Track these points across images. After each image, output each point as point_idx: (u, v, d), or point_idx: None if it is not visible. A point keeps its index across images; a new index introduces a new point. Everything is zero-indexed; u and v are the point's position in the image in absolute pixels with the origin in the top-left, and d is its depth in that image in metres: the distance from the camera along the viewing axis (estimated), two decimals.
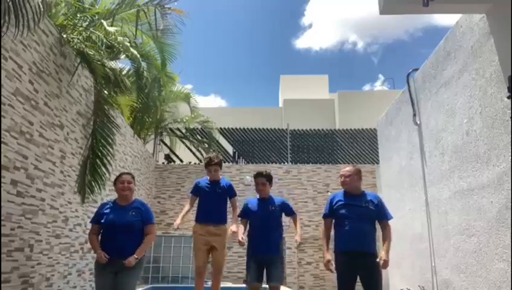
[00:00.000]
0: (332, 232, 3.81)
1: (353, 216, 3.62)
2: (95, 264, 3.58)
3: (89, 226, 5.52)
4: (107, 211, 3.65)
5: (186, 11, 6.20)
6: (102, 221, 3.60)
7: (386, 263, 3.49)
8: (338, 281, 3.63)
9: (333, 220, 3.79)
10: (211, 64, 41.97)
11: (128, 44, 5.52)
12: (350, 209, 3.66)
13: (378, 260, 3.50)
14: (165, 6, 5.95)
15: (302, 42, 39.30)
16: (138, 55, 5.68)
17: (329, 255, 3.67)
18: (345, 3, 36.80)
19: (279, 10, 38.63)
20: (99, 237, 3.67)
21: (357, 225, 3.57)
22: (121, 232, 3.51)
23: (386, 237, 3.66)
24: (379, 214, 3.71)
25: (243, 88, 38.68)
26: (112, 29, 5.19)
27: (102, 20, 5.28)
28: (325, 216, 3.86)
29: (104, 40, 5.03)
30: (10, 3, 3.22)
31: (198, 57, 38.90)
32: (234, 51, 41.19)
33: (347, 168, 3.85)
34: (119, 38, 5.24)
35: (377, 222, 3.74)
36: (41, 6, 3.59)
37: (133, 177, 3.80)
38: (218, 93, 40.92)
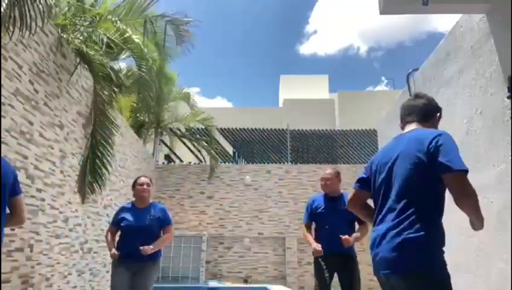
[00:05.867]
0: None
1: (332, 219, 3.73)
2: (112, 263, 3.72)
3: (89, 226, 5.56)
4: (126, 214, 3.78)
5: (193, 18, 6.39)
6: (121, 224, 3.73)
7: (346, 240, 3.55)
8: (316, 280, 3.73)
9: (313, 223, 3.89)
10: (217, 69, 42.44)
11: (137, 39, 5.60)
12: (329, 212, 3.77)
13: (342, 236, 3.56)
14: (181, 29, 6.10)
15: (306, 48, 39.57)
16: (144, 48, 5.74)
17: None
18: (349, 9, 37.03)
19: (284, 15, 38.92)
20: (117, 239, 3.82)
21: (336, 228, 3.65)
22: (138, 234, 3.63)
23: (362, 230, 3.75)
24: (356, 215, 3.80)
25: (248, 92, 39.02)
26: (116, 23, 5.28)
27: (108, 16, 5.33)
28: (305, 222, 3.94)
29: (106, 39, 5.06)
30: (16, 8, 3.24)
31: (205, 61, 39.32)
32: (239, 56, 41.55)
33: (328, 171, 3.92)
34: (128, 33, 5.33)
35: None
36: (44, 9, 3.60)
37: (150, 180, 3.94)
38: (224, 96, 41.27)
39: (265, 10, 38.82)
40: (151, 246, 3.54)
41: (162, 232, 3.79)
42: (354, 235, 3.72)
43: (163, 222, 3.78)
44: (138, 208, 3.80)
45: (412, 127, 2.10)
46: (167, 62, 8.16)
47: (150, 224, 3.69)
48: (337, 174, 3.91)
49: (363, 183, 2.17)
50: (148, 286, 3.64)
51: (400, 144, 2.01)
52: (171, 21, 6.14)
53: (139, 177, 3.92)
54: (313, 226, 3.95)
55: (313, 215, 3.86)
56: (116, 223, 3.79)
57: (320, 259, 3.72)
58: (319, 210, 3.81)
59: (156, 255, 3.72)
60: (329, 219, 3.73)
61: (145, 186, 3.79)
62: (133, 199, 3.88)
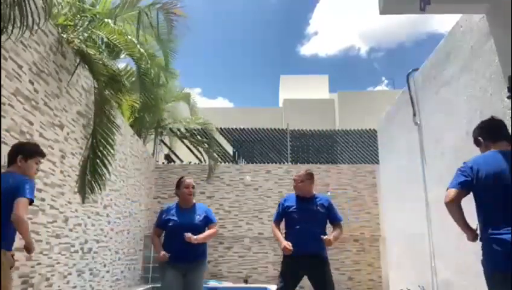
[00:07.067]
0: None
1: (303, 219, 3.71)
2: (160, 264, 3.73)
3: (89, 226, 5.56)
4: (173, 214, 3.83)
5: (188, 15, 6.30)
6: (169, 224, 3.77)
7: (328, 241, 3.54)
8: (279, 281, 3.68)
9: (283, 221, 3.87)
10: (218, 69, 42.70)
11: (135, 41, 5.57)
12: (301, 212, 3.75)
13: (323, 237, 3.55)
14: (170, 11, 6.01)
15: (307, 49, 39.70)
16: (145, 53, 5.71)
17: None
18: (350, 10, 37.13)
19: (285, 16, 39.04)
20: (163, 240, 3.86)
21: (307, 228, 3.64)
22: (186, 233, 3.65)
23: (337, 232, 3.75)
24: (330, 216, 3.82)
25: (248, 92, 39.17)
26: (116, 26, 5.26)
27: (106, 20, 5.31)
28: (275, 220, 3.92)
29: (105, 40, 5.06)
30: (16, 6, 3.24)
31: (206, 62, 39.49)
32: (240, 57, 41.77)
33: (299, 173, 3.91)
34: (127, 37, 5.31)
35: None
36: (44, 8, 3.60)
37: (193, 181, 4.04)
38: (225, 96, 41.43)
39: (266, 12, 38.92)
40: (195, 236, 3.60)
41: (206, 229, 3.88)
42: (334, 234, 3.68)
43: (209, 221, 3.89)
44: (184, 208, 3.87)
45: (506, 144, 2.53)
46: (169, 56, 8.06)
47: (197, 223, 3.78)
48: (309, 176, 3.87)
49: (465, 186, 2.51)
50: (200, 286, 3.73)
51: (507, 157, 2.43)
52: (162, 7, 6.07)
53: (183, 179, 3.94)
54: (282, 226, 3.90)
55: (283, 215, 3.85)
56: (162, 225, 3.83)
57: (289, 260, 3.67)
58: (290, 209, 3.79)
59: (203, 255, 3.84)
60: (300, 219, 3.71)
61: (191, 189, 3.89)
62: (177, 200, 3.94)
